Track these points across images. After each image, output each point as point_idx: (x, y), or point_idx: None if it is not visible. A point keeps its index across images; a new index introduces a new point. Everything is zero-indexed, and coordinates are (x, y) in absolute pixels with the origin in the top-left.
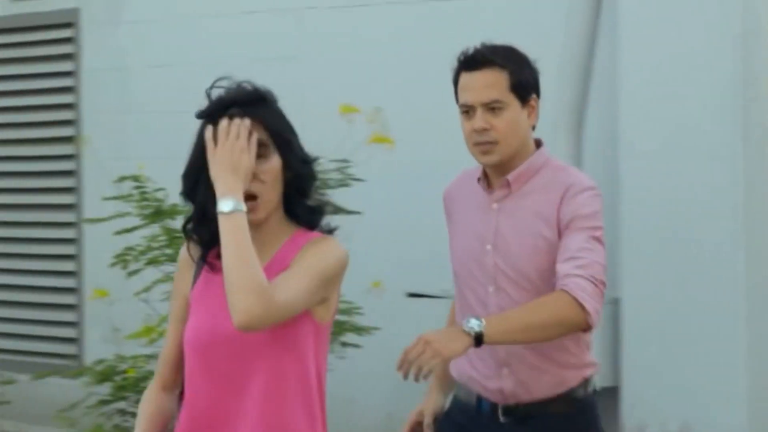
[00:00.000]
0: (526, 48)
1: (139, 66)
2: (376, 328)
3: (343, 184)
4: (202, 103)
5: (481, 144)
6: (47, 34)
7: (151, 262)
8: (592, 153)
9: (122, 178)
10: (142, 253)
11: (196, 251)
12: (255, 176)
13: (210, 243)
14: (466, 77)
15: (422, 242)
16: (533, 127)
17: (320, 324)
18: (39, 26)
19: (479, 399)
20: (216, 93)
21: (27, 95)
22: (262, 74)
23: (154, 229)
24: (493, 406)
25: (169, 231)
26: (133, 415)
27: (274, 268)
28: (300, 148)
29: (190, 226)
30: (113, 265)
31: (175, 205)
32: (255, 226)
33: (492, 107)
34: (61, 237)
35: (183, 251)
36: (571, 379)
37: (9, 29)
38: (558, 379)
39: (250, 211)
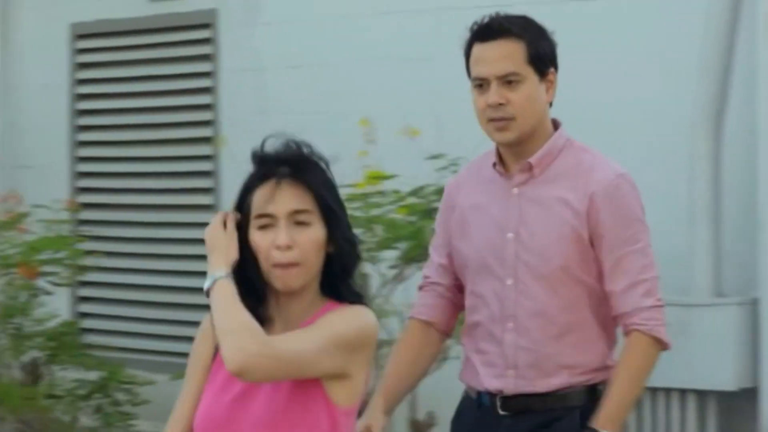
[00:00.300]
0: (665, 48)
1: (276, 67)
2: None
3: None
4: (330, 111)
5: (496, 120)
6: (186, 35)
7: None
8: (731, 152)
9: None
10: None
11: None
12: (294, 244)
13: None
14: (479, 48)
15: None
16: (550, 104)
17: (337, 407)
18: (177, 27)
19: (479, 394)
20: (269, 146)
21: (166, 96)
22: (396, 74)
23: None
24: (492, 398)
25: None
26: None
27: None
28: (347, 225)
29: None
30: None
31: None
32: (288, 297)
33: (508, 80)
34: (199, 238)
35: (207, 319)
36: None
37: (148, 30)
38: (566, 379)
39: (287, 277)
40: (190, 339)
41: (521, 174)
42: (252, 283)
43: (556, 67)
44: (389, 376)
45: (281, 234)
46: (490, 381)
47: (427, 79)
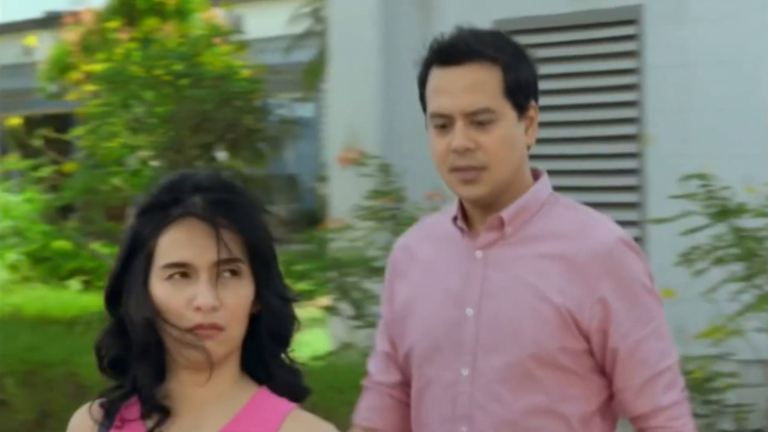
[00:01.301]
0: None
1: (704, 63)
2: None
3: None
4: (756, 107)
5: (462, 170)
6: (610, 31)
7: (718, 261)
8: None
9: (687, 177)
10: (708, 252)
11: (97, 412)
12: (221, 303)
13: (131, 388)
14: (440, 75)
15: None
16: (529, 148)
17: None
18: (601, 23)
19: None
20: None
21: (589, 93)
22: None
23: (720, 228)
24: None
25: (736, 230)
26: (700, 416)
27: None
28: (280, 276)
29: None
30: (678, 264)
31: (741, 204)
32: (198, 376)
33: (479, 120)
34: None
35: (79, 417)
36: None
37: (571, 26)
38: None
39: (209, 345)
40: None
41: (489, 232)
42: (145, 352)
43: (537, 100)
44: None
45: (204, 291)
46: None
47: None
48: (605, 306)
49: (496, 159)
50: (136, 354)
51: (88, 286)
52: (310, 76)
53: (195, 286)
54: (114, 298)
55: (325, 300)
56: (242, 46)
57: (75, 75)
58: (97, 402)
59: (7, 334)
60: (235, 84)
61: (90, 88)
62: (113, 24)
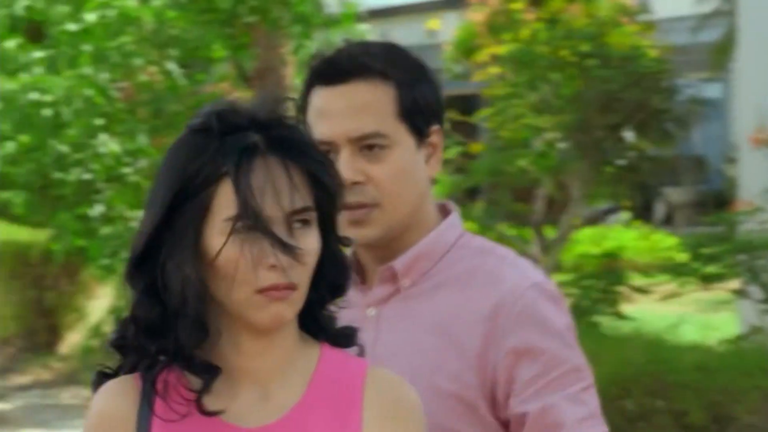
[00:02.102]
0: None
1: None
2: None
3: None
4: None
5: (349, 208)
6: None
7: None
8: None
9: None
10: None
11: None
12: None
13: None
14: (322, 96)
15: None
16: (433, 181)
17: None
18: None
19: None
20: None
21: None
22: None
23: None
24: None
25: None
26: None
27: (318, 407)
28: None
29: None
30: None
31: None
32: (265, 339)
33: (369, 145)
34: None
35: (105, 403)
36: None
37: None
38: None
39: (281, 308)
40: None
41: (382, 286)
42: (188, 313)
43: (442, 124)
44: None
45: (281, 248)
46: None
47: None
48: (512, 362)
49: (390, 194)
50: (179, 315)
51: None
52: (719, 56)
53: (264, 241)
54: (143, 259)
55: (734, 283)
56: (649, 26)
57: (481, 56)
58: (128, 376)
59: None
60: (642, 64)
61: (496, 69)
62: (519, 5)
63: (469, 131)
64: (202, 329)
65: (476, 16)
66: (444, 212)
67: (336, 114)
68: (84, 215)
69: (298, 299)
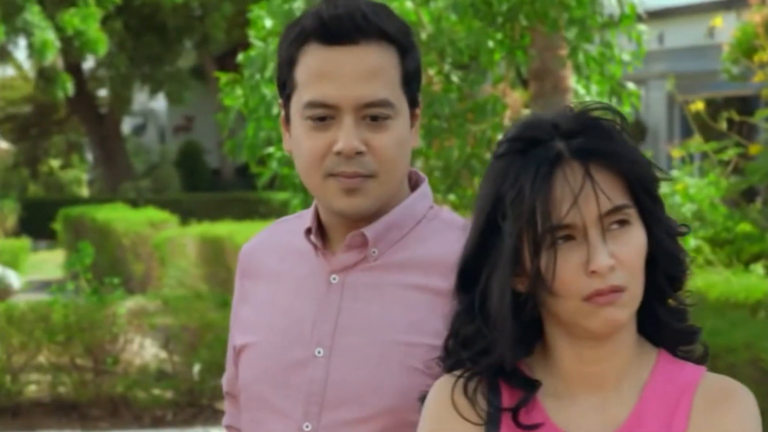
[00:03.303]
0: None
1: None
2: None
3: None
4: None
5: (348, 176)
6: None
7: None
8: None
9: None
10: None
11: (477, 407)
12: (617, 260)
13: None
14: (325, 56)
15: None
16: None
17: None
18: None
19: None
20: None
21: None
22: None
23: None
24: None
25: None
26: None
27: (647, 421)
28: (664, 211)
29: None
30: None
31: None
32: (602, 346)
33: (373, 115)
34: None
35: (442, 406)
36: None
37: None
38: None
39: (612, 312)
40: None
41: (348, 252)
42: (511, 331)
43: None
44: None
45: (598, 252)
46: None
47: None
48: None
49: (387, 166)
50: (496, 329)
51: None
52: None
53: (581, 248)
54: (468, 272)
55: None
56: None
57: (760, 57)
58: (462, 383)
59: (692, 318)
60: None
61: None
62: None
63: (747, 132)
64: (521, 344)
65: (755, 16)
66: (410, 180)
67: (345, 76)
68: None
69: (628, 300)
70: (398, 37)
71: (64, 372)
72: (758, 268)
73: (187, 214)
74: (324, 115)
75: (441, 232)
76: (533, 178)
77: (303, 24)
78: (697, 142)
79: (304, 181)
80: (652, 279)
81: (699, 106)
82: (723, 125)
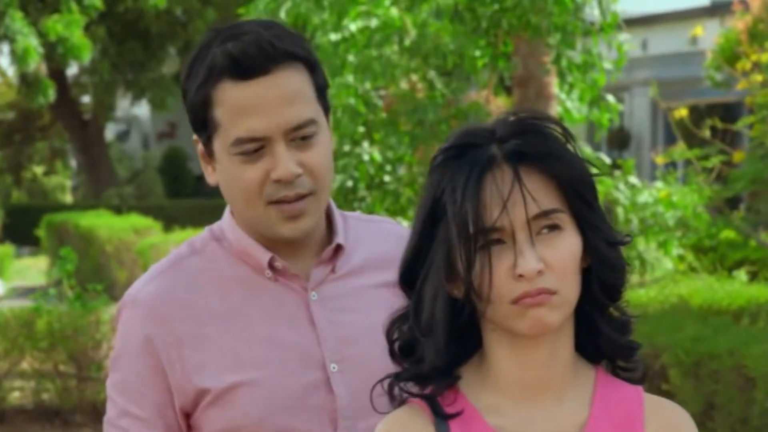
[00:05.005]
0: None
1: None
2: None
3: None
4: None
5: (287, 202)
6: None
7: None
8: None
9: None
10: None
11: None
12: (547, 265)
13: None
14: (242, 90)
15: None
16: None
17: None
18: None
19: None
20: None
21: None
22: None
23: None
24: None
25: None
26: None
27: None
28: (604, 218)
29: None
30: None
31: None
32: (537, 340)
33: (303, 135)
34: None
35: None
36: None
37: None
38: None
39: (540, 316)
40: None
41: (319, 267)
42: (443, 336)
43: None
44: None
45: (525, 256)
46: None
47: None
48: None
49: (323, 181)
50: (428, 333)
51: (754, 277)
52: None
53: (511, 252)
54: (410, 273)
55: None
56: None
57: (743, 64)
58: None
59: (674, 325)
60: None
61: (759, 77)
62: None
63: (731, 139)
64: (456, 353)
65: (738, 23)
66: None
67: (267, 107)
68: None
69: (559, 303)
70: (304, 54)
71: (47, 378)
72: (741, 274)
73: (170, 221)
74: (255, 148)
75: (364, 229)
76: (465, 181)
77: (212, 62)
78: (680, 149)
79: (241, 211)
80: (588, 286)
81: (682, 112)
82: (706, 132)
